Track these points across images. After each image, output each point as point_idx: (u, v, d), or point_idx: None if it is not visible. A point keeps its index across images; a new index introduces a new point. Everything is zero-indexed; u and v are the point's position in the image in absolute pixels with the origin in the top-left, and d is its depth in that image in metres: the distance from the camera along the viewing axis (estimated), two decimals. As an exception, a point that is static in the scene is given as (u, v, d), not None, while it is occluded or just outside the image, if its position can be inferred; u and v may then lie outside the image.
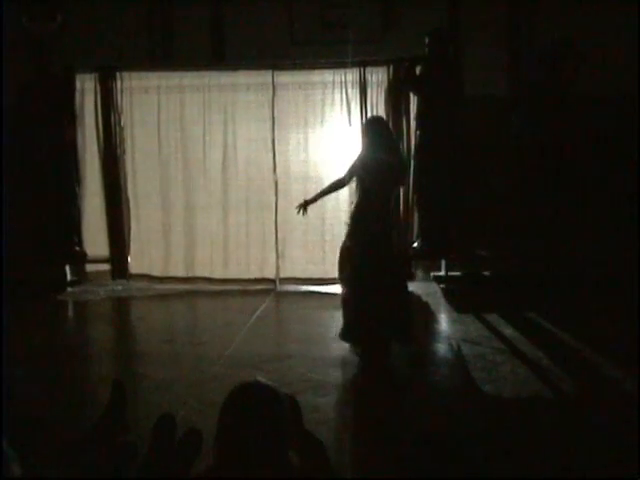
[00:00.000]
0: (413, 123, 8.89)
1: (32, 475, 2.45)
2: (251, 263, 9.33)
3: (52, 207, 9.10)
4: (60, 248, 9.21)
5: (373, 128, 6.43)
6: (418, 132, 8.81)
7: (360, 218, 6.26)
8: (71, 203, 9.23)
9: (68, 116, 9.17)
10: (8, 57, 8.91)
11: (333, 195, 7.13)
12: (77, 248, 9.32)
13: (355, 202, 6.45)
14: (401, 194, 8.78)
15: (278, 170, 9.16)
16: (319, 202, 6.95)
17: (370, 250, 6.15)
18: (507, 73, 9.11)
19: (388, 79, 8.91)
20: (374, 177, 6.20)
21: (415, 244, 8.91)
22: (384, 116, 8.72)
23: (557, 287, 8.25)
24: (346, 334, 6.35)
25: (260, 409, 2.39)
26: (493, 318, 7.54)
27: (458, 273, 9.06)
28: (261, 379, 2.52)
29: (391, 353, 6.28)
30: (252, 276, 9.28)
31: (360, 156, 6.34)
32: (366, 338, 6.24)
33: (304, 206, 6.71)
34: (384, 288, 6.15)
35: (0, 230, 8.66)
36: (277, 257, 9.23)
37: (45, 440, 3.22)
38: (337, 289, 7.47)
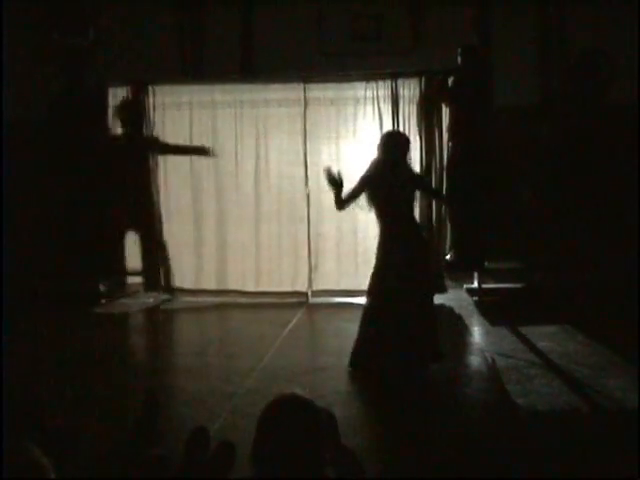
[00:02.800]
0: (445, 135, 8.85)
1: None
2: (283, 275, 9.32)
3: (87, 220, 9.15)
4: (95, 261, 9.25)
5: (390, 141, 6.34)
6: (450, 144, 8.78)
7: (384, 253, 6.19)
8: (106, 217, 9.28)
9: (101, 130, 9.23)
10: (41, 71, 9.02)
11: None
12: (112, 262, 9.35)
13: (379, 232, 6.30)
14: (433, 206, 8.78)
15: (310, 183, 9.16)
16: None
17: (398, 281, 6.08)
18: (538, 83, 9.07)
19: (420, 91, 8.89)
20: (387, 191, 6.14)
21: (448, 256, 8.87)
22: (416, 128, 8.78)
23: (592, 298, 8.16)
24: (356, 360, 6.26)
25: (298, 422, 2.37)
26: (527, 330, 7.48)
27: (491, 285, 8.99)
28: (298, 392, 2.51)
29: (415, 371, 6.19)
30: (284, 289, 9.27)
31: (369, 171, 6.26)
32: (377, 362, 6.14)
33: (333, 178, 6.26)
34: (408, 310, 6.07)
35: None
36: (310, 269, 9.21)
37: (78, 451, 3.22)
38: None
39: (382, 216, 6.23)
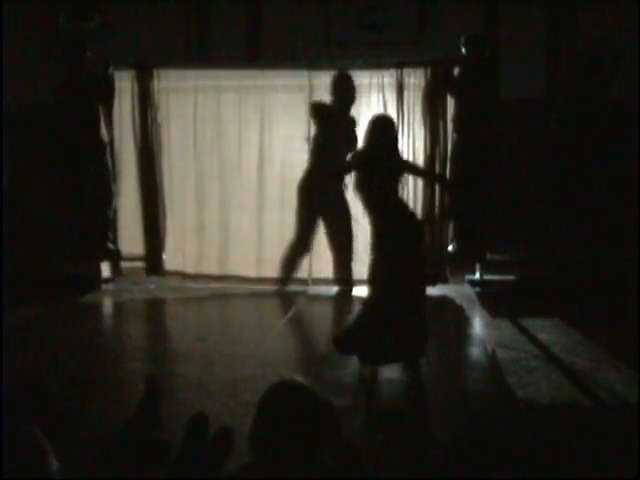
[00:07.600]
0: (450, 126, 8.83)
1: (68, 469, 2.46)
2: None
3: (88, 204, 9.14)
4: (94, 245, 9.24)
5: (377, 126, 6.23)
6: (454, 135, 8.77)
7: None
8: (107, 200, 9.26)
9: (105, 114, 9.20)
10: (46, 55, 9.01)
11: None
12: (111, 245, 9.35)
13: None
14: (436, 198, 8.77)
15: (313, 170, 9.13)
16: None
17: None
18: (545, 76, 9.05)
19: (425, 81, 8.86)
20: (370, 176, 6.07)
21: (449, 247, 8.87)
22: (420, 118, 8.78)
23: (593, 291, 8.16)
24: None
25: (297, 408, 2.38)
26: (528, 323, 7.48)
27: (493, 277, 8.98)
28: (298, 379, 2.51)
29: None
30: (285, 275, 9.25)
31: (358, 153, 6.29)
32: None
33: None
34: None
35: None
36: (310, 257, 9.19)
37: (79, 436, 3.24)
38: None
39: (373, 206, 6.10)
